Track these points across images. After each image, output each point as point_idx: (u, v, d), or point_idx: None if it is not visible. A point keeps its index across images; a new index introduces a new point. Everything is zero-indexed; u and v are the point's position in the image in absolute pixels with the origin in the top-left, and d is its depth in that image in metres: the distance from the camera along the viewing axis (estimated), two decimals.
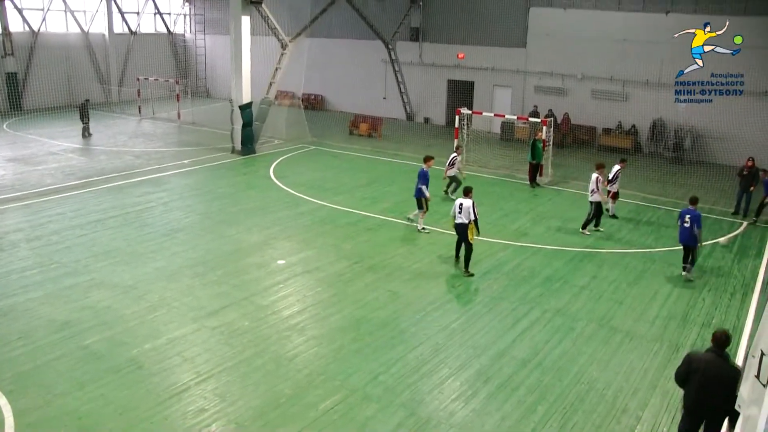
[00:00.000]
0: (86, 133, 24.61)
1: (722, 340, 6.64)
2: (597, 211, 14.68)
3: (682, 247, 12.24)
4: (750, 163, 16.52)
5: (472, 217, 11.92)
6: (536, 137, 19.08)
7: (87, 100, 25.82)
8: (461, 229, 12.01)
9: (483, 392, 8.28)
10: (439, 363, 8.94)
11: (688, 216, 11.90)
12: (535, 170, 19.04)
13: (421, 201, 14.24)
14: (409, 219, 15.06)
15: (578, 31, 24.93)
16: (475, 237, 12.06)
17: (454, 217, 12.04)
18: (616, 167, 16.00)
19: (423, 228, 14.42)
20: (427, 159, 14.65)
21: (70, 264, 12.15)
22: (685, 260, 12.23)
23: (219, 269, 12.04)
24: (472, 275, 12.02)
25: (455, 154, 17.53)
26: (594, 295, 11.38)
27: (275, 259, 12.75)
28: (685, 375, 6.75)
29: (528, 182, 19.04)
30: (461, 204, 11.95)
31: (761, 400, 4.97)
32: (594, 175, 14.71)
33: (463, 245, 12.19)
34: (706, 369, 6.52)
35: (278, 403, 7.91)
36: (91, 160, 20.97)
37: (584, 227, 14.74)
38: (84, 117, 24.54)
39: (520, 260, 12.96)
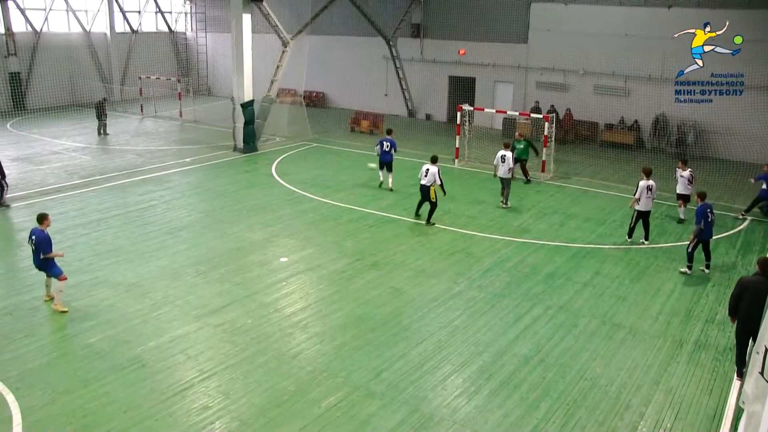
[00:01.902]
0: (103, 132, 24.69)
1: (767, 265, 8.24)
2: (643, 220, 13.66)
3: (701, 244, 12.19)
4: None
5: (438, 182, 14.22)
6: (516, 137, 19.07)
7: (105, 99, 25.97)
8: (425, 190, 14.37)
9: (486, 389, 8.28)
10: (442, 360, 8.94)
11: (709, 210, 11.95)
12: (524, 168, 19.02)
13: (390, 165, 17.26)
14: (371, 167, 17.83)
15: (580, 27, 24.85)
16: (442, 197, 14.50)
17: (420, 178, 14.36)
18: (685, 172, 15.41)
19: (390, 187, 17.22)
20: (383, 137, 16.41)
21: (74, 263, 12.17)
22: (707, 257, 12.37)
23: (221, 267, 12.07)
24: (433, 224, 14.38)
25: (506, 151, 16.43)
26: (597, 292, 11.36)
27: (277, 256, 12.77)
28: (737, 297, 8.33)
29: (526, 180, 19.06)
30: (427, 169, 14.31)
31: (765, 396, 4.97)
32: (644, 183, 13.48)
33: (426, 204, 14.48)
34: (755, 289, 8.10)
35: (281, 401, 7.93)
36: (94, 158, 21.01)
37: (630, 234, 13.82)
38: (102, 115, 24.61)
39: (523, 257, 12.95)
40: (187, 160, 20.91)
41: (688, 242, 12.34)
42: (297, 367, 8.68)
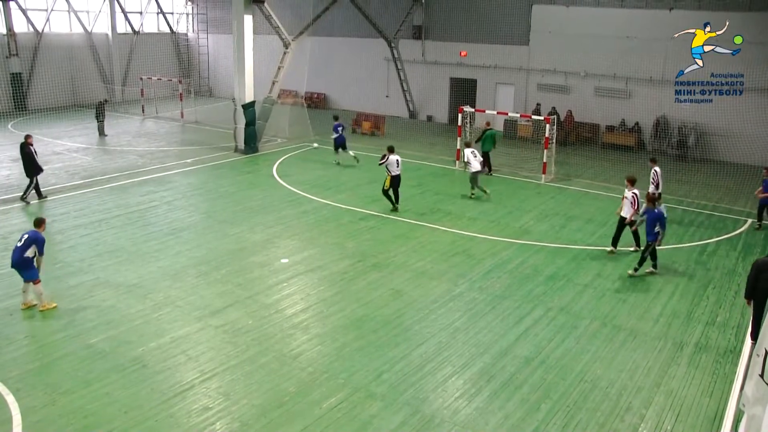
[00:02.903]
0: (102, 132, 24.81)
1: None
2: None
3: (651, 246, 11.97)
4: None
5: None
6: (486, 127, 19.76)
7: (105, 100, 26.04)
8: (399, 179, 15.77)
9: (486, 390, 8.29)
10: (443, 361, 8.95)
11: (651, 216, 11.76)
12: (486, 159, 19.45)
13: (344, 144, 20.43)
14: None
15: (581, 29, 24.88)
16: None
17: (394, 169, 15.50)
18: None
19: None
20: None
21: (75, 263, 12.20)
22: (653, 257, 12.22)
23: (223, 268, 12.08)
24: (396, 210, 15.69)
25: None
26: (597, 293, 11.37)
27: (278, 257, 12.78)
28: (754, 278, 9.00)
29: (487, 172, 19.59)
30: (398, 160, 15.58)
31: (766, 399, 4.98)
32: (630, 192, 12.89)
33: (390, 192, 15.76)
34: None
35: (282, 402, 7.93)
36: (95, 159, 21.03)
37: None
38: (100, 115, 24.74)
39: (524, 258, 12.95)
40: (189, 161, 20.93)
41: (644, 248, 12.02)
42: (298, 368, 8.69)
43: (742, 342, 9.74)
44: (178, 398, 7.96)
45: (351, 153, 20.59)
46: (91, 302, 10.52)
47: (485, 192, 17.18)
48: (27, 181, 16.48)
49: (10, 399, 7.85)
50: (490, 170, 19.79)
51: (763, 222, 15.26)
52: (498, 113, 23.06)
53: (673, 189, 18.68)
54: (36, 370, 8.55)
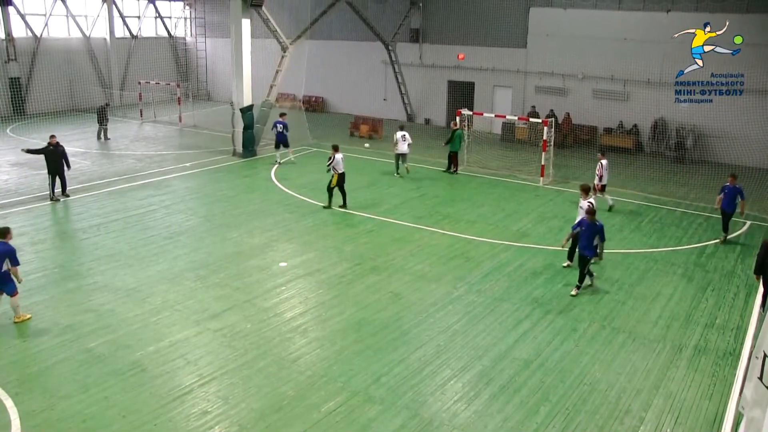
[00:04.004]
0: (103, 136, 24.83)
1: None
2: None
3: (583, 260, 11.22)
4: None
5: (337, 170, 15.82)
6: (454, 127, 20.34)
7: (107, 104, 26.03)
8: (344, 176, 16.10)
9: (485, 393, 8.28)
10: (442, 364, 8.94)
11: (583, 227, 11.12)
12: (455, 159, 20.32)
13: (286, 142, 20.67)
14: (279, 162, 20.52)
15: (579, 31, 24.93)
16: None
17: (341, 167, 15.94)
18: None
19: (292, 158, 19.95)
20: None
21: (73, 267, 12.19)
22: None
23: (221, 272, 12.07)
24: (328, 207, 16.06)
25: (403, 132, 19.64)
26: (596, 296, 11.37)
27: (277, 261, 12.77)
28: (763, 256, 9.45)
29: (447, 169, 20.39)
30: (342, 158, 15.95)
31: (765, 402, 4.97)
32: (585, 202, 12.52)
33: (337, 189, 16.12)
34: None
35: (280, 405, 7.92)
36: (94, 163, 21.02)
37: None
38: (103, 120, 24.78)
39: (522, 261, 12.95)
40: (187, 164, 20.92)
41: (582, 264, 11.19)
42: (296, 372, 8.68)
43: (742, 344, 9.75)
44: (177, 402, 7.95)
45: (289, 154, 21.06)
46: (89, 306, 10.50)
47: (407, 170, 19.61)
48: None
49: (9, 403, 7.83)
50: (455, 169, 20.38)
51: (728, 235, 14.28)
52: (496, 116, 23.09)
53: (672, 191, 18.71)
54: (34, 374, 8.53)
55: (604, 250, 11.61)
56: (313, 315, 10.45)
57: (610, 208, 16.34)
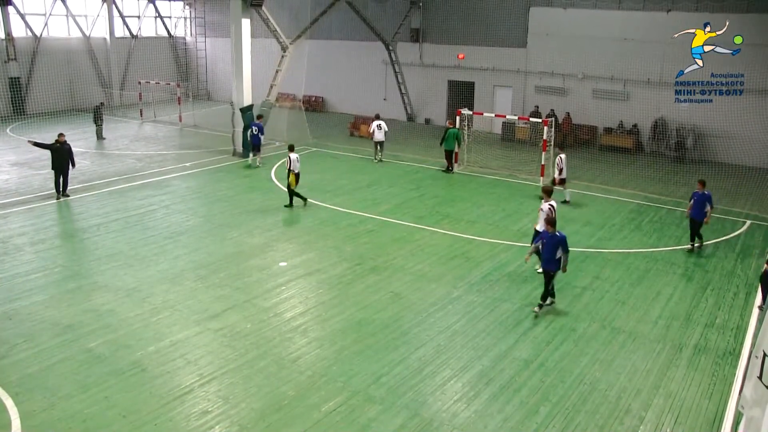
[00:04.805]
0: (100, 136, 24.86)
1: None
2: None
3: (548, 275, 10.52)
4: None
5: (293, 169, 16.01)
6: (448, 126, 20.65)
7: (102, 104, 26.09)
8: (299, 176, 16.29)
9: (485, 393, 8.28)
10: (442, 364, 8.94)
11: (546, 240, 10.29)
12: (449, 158, 20.39)
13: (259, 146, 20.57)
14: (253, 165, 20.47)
15: (579, 31, 24.93)
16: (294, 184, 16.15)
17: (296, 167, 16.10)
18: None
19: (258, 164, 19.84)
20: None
21: (74, 267, 12.19)
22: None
23: (221, 272, 12.07)
24: (290, 206, 16.15)
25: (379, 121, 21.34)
26: (596, 296, 11.37)
27: (277, 261, 12.77)
28: None
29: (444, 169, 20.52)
30: (297, 157, 16.07)
31: (764, 401, 4.98)
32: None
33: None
34: None
35: (281, 405, 7.92)
36: (93, 163, 21.02)
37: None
38: (98, 120, 24.81)
39: (522, 261, 12.93)
40: (187, 164, 20.92)
41: (546, 279, 10.48)
42: (296, 372, 8.68)
43: (742, 344, 9.75)
44: (177, 402, 7.95)
45: (258, 160, 20.76)
46: (89, 306, 10.50)
47: (381, 159, 21.30)
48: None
49: (9, 403, 7.83)
50: (451, 168, 20.41)
51: (704, 243, 13.69)
52: (496, 116, 23.10)
53: (672, 191, 18.71)
54: (35, 374, 8.53)
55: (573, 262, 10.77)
56: (313, 315, 10.46)
57: (564, 202, 16.71)
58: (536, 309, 10.57)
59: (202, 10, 36.82)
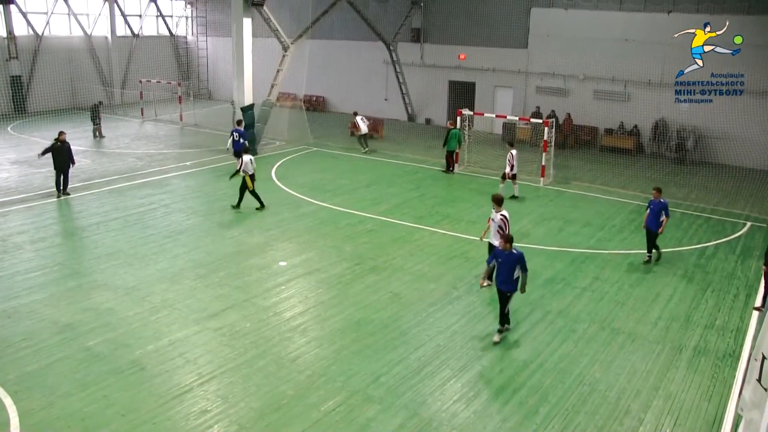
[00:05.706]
0: (98, 135, 24.89)
1: None
2: None
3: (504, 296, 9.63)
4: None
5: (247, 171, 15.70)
6: (450, 127, 20.72)
7: (100, 102, 26.11)
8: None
9: (485, 394, 8.28)
10: (441, 364, 8.94)
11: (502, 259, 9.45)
12: (450, 158, 20.45)
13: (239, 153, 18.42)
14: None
15: (580, 32, 24.93)
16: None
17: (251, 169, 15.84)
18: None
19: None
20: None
21: (73, 266, 12.19)
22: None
23: (221, 271, 12.07)
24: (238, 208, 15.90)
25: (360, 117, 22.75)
26: (596, 297, 11.36)
27: (276, 260, 12.77)
28: None
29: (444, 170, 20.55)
30: (251, 159, 15.80)
31: (763, 404, 4.97)
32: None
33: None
34: None
35: (280, 405, 7.92)
36: (94, 162, 21.02)
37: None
38: (96, 118, 24.82)
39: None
40: (188, 163, 20.93)
41: (503, 302, 9.62)
42: (296, 371, 8.68)
43: (741, 346, 9.74)
44: (176, 401, 7.94)
45: (238, 167, 19.59)
46: (88, 305, 10.50)
47: (367, 149, 22.55)
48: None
49: (8, 402, 7.83)
50: (452, 168, 20.46)
51: (661, 252, 13.04)
52: (497, 116, 23.09)
53: (672, 192, 18.68)
54: (34, 372, 8.53)
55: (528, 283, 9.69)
56: (312, 314, 10.45)
57: (513, 197, 17.08)
58: (496, 338, 9.50)
59: (203, 10, 36.84)
